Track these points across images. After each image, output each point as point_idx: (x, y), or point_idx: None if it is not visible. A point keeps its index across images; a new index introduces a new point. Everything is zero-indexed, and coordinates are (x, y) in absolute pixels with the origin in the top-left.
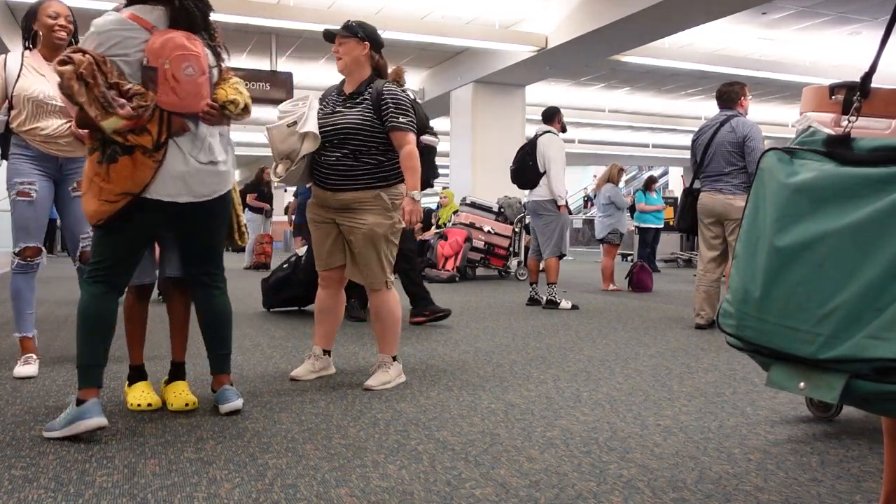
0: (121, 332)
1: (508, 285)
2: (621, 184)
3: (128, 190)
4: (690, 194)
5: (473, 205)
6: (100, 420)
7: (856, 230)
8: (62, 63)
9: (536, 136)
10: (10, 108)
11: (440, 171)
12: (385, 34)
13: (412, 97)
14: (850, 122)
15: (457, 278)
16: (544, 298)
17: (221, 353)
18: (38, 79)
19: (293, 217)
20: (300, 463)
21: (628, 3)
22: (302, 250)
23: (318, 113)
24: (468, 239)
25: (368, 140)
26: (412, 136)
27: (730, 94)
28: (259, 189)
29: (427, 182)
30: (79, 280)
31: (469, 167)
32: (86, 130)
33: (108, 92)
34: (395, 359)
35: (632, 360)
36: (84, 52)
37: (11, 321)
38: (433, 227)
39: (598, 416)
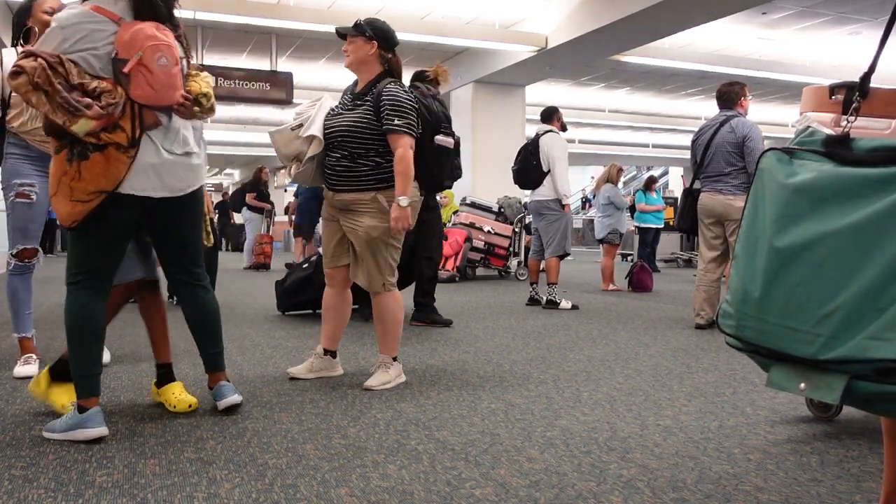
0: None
1: (508, 285)
2: (619, 184)
3: (101, 188)
4: (690, 194)
5: (473, 205)
6: (101, 430)
7: (856, 230)
8: (14, 75)
9: (538, 136)
10: (7, 106)
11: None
12: None
13: (431, 95)
14: (848, 122)
15: (457, 278)
16: (544, 298)
17: (213, 351)
18: None
19: (293, 217)
20: (300, 463)
21: (628, 3)
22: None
23: (329, 113)
24: (468, 239)
25: (366, 142)
26: (407, 140)
27: (730, 94)
28: (258, 189)
29: (439, 184)
30: None
31: (469, 167)
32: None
33: (69, 96)
34: (395, 359)
35: (632, 360)
36: (35, 56)
37: (10, 321)
38: None
39: (598, 416)
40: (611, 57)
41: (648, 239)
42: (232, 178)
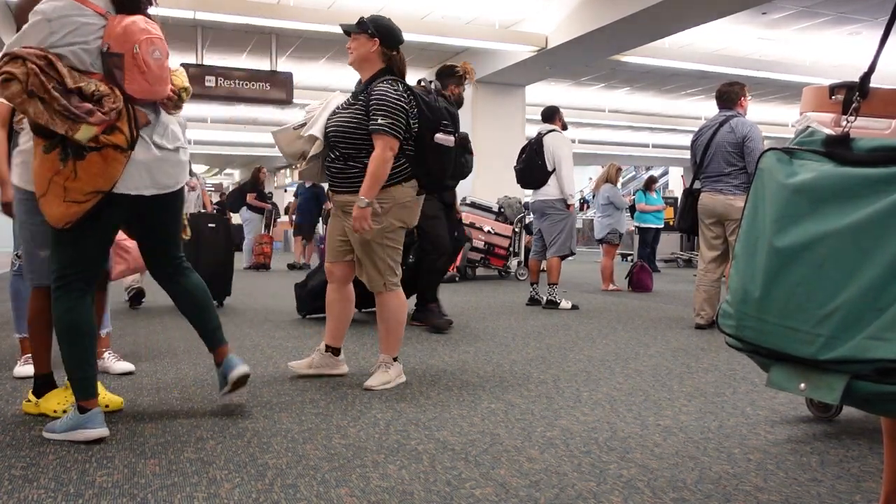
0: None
1: (508, 285)
2: (618, 185)
3: (99, 188)
4: (691, 195)
5: (473, 205)
6: (102, 431)
7: (856, 230)
8: (5, 84)
9: (541, 136)
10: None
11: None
12: None
13: (437, 92)
14: (848, 122)
15: (457, 278)
16: (544, 298)
17: (213, 326)
18: None
19: (293, 217)
20: (300, 463)
21: (628, 3)
22: None
23: (332, 112)
24: (468, 239)
25: (357, 142)
26: (386, 140)
27: (730, 94)
28: (258, 188)
29: (440, 183)
30: None
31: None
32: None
33: (69, 103)
34: (395, 359)
35: (632, 360)
36: (24, 61)
37: (11, 321)
38: None
39: (598, 416)
40: (611, 57)
41: (648, 239)
42: (232, 178)
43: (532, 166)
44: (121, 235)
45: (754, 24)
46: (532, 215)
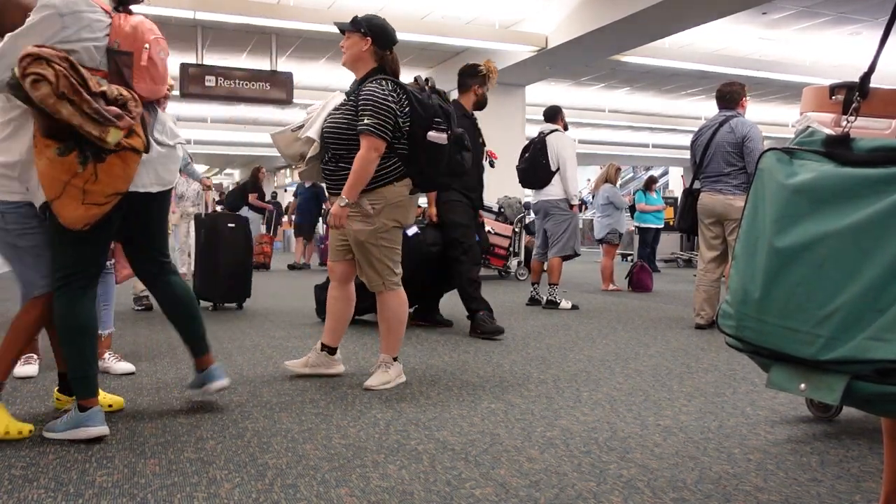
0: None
1: (508, 285)
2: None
3: (119, 190)
4: (690, 195)
5: None
6: (102, 429)
7: (856, 231)
8: (35, 84)
9: (544, 135)
10: None
11: None
12: None
13: (431, 89)
14: (848, 122)
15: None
16: (544, 298)
17: (200, 334)
18: None
19: (293, 217)
20: (300, 463)
21: (628, 3)
22: None
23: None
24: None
25: (347, 143)
26: (372, 140)
27: (731, 94)
28: (258, 188)
29: (433, 181)
30: None
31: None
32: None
33: (100, 106)
34: (395, 359)
35: (632, 360)
36: (48, 62)
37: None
38: None
39: (598, 416)
40: (611, 57)
41: (648, 239)
42: (232, 178)
43: (536, 166)
44: None
45: (754, 24)
46: (534, 215)
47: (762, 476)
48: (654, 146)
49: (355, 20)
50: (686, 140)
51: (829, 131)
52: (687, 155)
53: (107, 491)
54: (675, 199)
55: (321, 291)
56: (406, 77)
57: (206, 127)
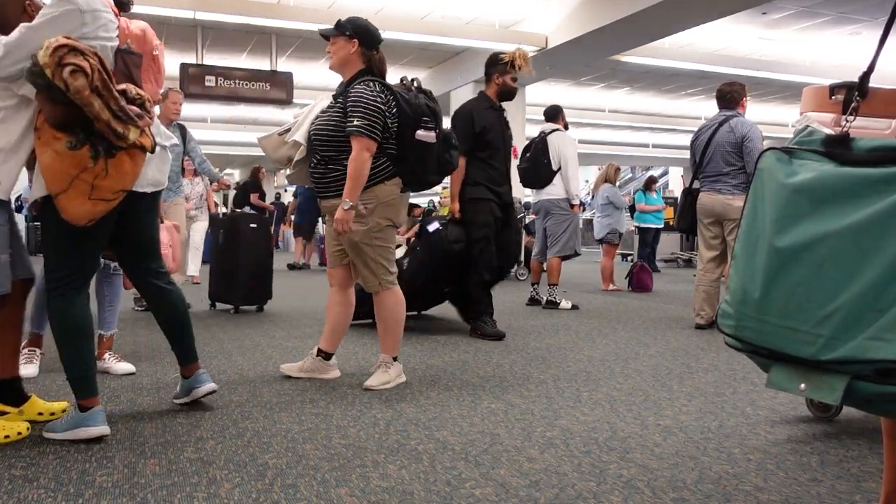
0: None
1: (508, 285)
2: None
3: (125, 186)
4: (690, 194)
5: None
6: (103, 429)
7: (856, 231)
8: (74, 74)
9: (545, 135)
10: None
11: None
12: (385, 34)
13: (417, 89)
14: (848, 122)
15: None
16: (544, 299)
17: (189, 343)
18: None
19: (293, 217)
20: (300, 463)
21: (628, 3)
22: (397, 253)
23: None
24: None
25: (335, 145)
26: (363, 141)
27: (731, 94)
28: (259, 188)
29: (422, 180)
30: (96, 278)
31: None
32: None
33: (125, 105)
34: (395, 359)
35: (632, 360)
36: (85, 55)
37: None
38: None
39: (598, 416)
40: (611, 57)
41: (648, 239)
42: (232, 178)
43: (537, 165)
44: None
45: (754, 24)
46: (535, 215)
47: (762, 476)
48: (654, 146)
49: (340, 24)
50: (686, 140)
51: (828, 131)
52: (687, 155)
53: (107, 491)
54: (675, 199)
55: None
56: (405, 76)
57: (206, 127)
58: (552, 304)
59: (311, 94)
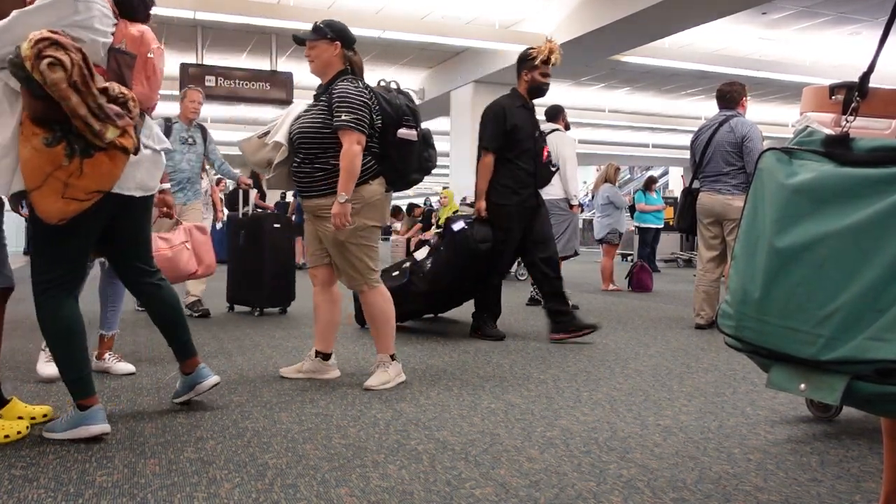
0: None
1: (508, 285)
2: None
3: (101, 187)
4: (689, 194)
5: (473, 205)
6: (103, 427)
7: (856, 231)
8: (52, 67)
9: (545, 135)
10: None
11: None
12: (385, 34)
13: (396, 90)
14: (848, 122)
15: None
16: None
17: (186, 339)
18: None
19: (293, 217)
20: (300, 463)
21: (628, 3)
22: (420, 253)
23: (295, 117)
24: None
25: (321, 144)
26: (354, 136)
27: (732, 94)
28: (260, 188)
29: (405, 178)
30: (102, 277)
31: (469, 167)
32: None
33: (104, 103)
34: (393, 357)
35: (632, 360)
36: (66, 49)
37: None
38: (433, 228)
39: (598, 416)
40: (611, 57)
41: (648, 239)
42: (224, 180)
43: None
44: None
45: (754, 24)
46: None
47: (762, 476)
48: (654, 146)
49: (319, 28)
50: (686, 140)
51: (828, 131)
52: (687, 155)
53: (107, 491)
54: (675, 199)
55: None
56: (407, 78)
57: (205, 127)
58: None
59: (311, 94)
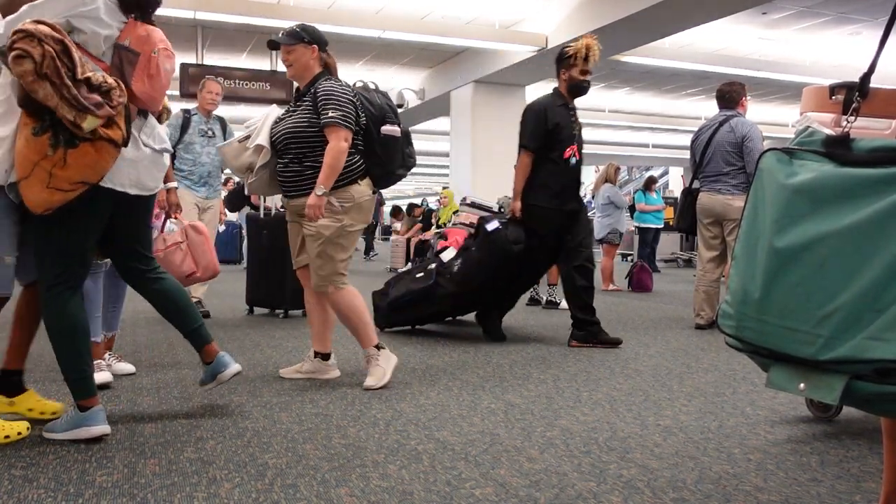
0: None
1: None
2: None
3: (86, 179)
4: (690, 194)
5: (473, 205)
6: (103, 428)
7: (856, 231)
8: (18, 60)
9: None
10: None
11: (440, 170)
12: (385, 34)
13: (374, 89)
14: (848, 122)
15: None
16: (544, 298)
17: (196, 326)
18: None
19: None
20: (300, 463)
21: (628, 3)
22: (446, 255)
23: (275, 121)
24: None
25: (308, 143)
26: (340, 132)
27: (731, 94)
28: None
29: (390, 174)
30: (104, 277)
31: (469, 167)
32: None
33: (78, 93)
34: (379, 347)
35: (632, 360)
36: (40, 42)
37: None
38: (433, 228)
39: (598, 416)
40: (611, 57)
41: (648, 239)
42: (233, 178)
43: None
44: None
45: (754, 24)
46: None
47: (762, 476)
48: (654, 146)
49: (295, 33)
50: (686, 140)
51: (829, 131)
52: (687, 155)
53: (107, 491)
54: (675, 199)
55: (381, 298)
56: (407, 78)
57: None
58: (552, 304)
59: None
